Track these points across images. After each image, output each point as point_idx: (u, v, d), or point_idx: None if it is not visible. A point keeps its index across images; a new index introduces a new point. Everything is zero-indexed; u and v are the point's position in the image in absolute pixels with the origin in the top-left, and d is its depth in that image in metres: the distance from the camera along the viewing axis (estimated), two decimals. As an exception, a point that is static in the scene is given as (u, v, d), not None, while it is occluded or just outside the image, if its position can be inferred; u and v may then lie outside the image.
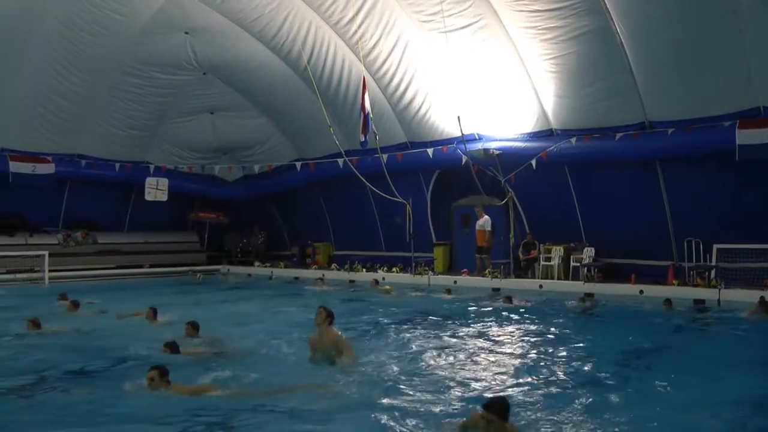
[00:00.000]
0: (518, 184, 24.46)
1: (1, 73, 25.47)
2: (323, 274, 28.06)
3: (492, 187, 25.75)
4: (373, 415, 8.18)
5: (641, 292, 20.15)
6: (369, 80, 24.67)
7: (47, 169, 28.75)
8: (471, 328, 15.53)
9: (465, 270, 25.61)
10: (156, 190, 31.38)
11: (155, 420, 8.13)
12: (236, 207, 35.40)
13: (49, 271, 27.38)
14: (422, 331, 14.90)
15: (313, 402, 8.73)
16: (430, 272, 26.34)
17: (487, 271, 24.27)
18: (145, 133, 31.21)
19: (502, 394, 9.12)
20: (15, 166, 27.94)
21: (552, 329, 15.12)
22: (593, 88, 21.53)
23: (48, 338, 13.88)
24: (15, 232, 29.84)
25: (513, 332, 15.13)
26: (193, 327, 13.46)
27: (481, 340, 14.01)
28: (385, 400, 8.89)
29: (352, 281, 27.24)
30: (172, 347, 11.54)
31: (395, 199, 25.68)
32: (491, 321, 16.74)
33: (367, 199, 29.13)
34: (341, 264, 30.03)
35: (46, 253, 27.79)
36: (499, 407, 6.62)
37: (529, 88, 22.91)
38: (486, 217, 25.30)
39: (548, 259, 23.97)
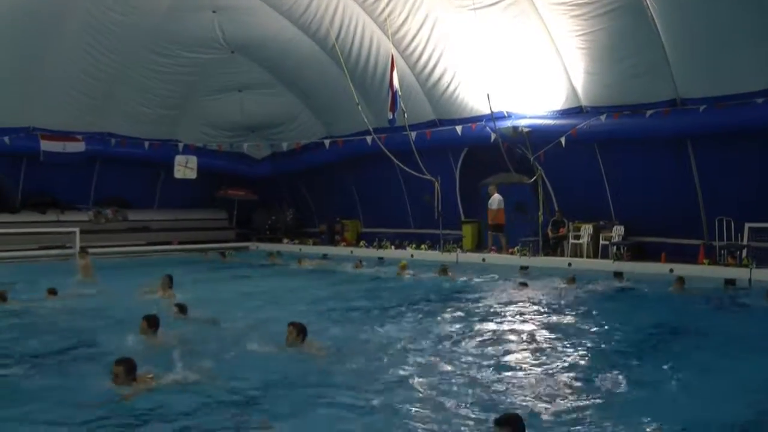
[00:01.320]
0: (547, 162, 24.31)
1: (32, 54, 25.67)
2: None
3: (521, 165, 25.66)
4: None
5: (671, 271, 19.95)
6: (397, 58, 24.68)
7: (77, 147, 29.10)
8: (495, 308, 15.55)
9: (493, 247, 25.55)
10: (185, 168, 31.57)
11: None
12: (265, 184, 35.55)
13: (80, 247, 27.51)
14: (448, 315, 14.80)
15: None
16: (459, 250, 26.35)
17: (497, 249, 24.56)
18: (173, 112, 31.36)
19: (526, 379, 9.13)
20: (46, 145, 28.35)
21: (580, 309, 15.08)
22: (624, 64, 21.31)
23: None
24: (47, 210, 30.20)
25: (543, 312, 15.05)
26: (181, 309, 13.27)
27: (504, 320, 14.05)
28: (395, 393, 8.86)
29: (380, 258, 27.27)
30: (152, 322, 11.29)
31: (424, 176, 25.68)
32: (509, 300, 16.68)
33: (396, 176, 29.09)
34: (370, 241, 30.12)
35: (77, 229, 28.08)
36: (513, 422, 6.08)
37: (558, 65, 22.73)
38: (498, 195, 25.47)
39: (577, 237, 23.92)
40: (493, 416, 6.54)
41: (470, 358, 10.43)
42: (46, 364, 10.19)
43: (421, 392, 8.65)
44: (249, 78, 30.57)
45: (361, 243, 30.66)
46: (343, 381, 9.14)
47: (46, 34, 25.23)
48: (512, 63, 23.64)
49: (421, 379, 9.15)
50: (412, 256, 26.87)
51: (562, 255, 24.00)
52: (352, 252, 28.97)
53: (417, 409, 7.95)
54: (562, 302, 16.06)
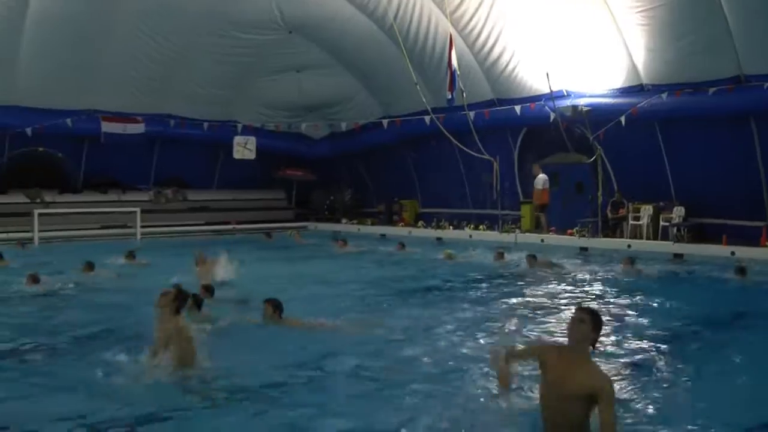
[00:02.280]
0: (607, 141, 23.90)
1: (94, 39, 26.03)
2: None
3: (580, 145, 25.29)
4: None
5: (732, 253, 19.51)
6: (456, 37, 24.45)
7: (137, 128, 29.46)
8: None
9: (553, 228, 25.28)
10: (244, 148, 31.75)
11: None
12: (323, 164, 35.60)
13: (141, 227, 28.06)
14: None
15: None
16: (517, 230, 26.13)
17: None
18: (231, 93, 31.48)
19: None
20: (107, 127, 28.78)
21: (637, 291, 14.80)
22: (685, 40, 20.83)
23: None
24: (108, 190, 30.75)
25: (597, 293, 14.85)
26: (207, 290, 13.06)
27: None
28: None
29: (438, 239, 27.17)
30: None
31: (482, 156, 25.49)
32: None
33: (454, 156, 28.89)
34: (428, 221, 30.03)
35: (138, 209, 28.47)
36: (592, 312, 6.00)
37: (618, 42, 22.34)
38: (543, 175, 25.38)
39: (637, 218, 23.52)
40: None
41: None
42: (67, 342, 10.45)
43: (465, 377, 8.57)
44: (307, 58, 30.53)
45: (420, 223, 30.53)
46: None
47: (106, 18, 25.52)
48: (572, 40, 23.36)
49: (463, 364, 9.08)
50: (470, 236, 26.78)
51: (622, 236, 23.62)
52: (410, 232, 28.91)
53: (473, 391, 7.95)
54: (619, 285, 15.79)
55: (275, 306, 10.95)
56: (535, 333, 10.86)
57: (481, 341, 10.26)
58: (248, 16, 27.22)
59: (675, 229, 22.23)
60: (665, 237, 22.56)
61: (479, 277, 17.31)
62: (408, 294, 15.13)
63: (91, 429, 6.80)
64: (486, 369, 8.25)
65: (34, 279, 15.12)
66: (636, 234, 23.36)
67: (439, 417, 7.11)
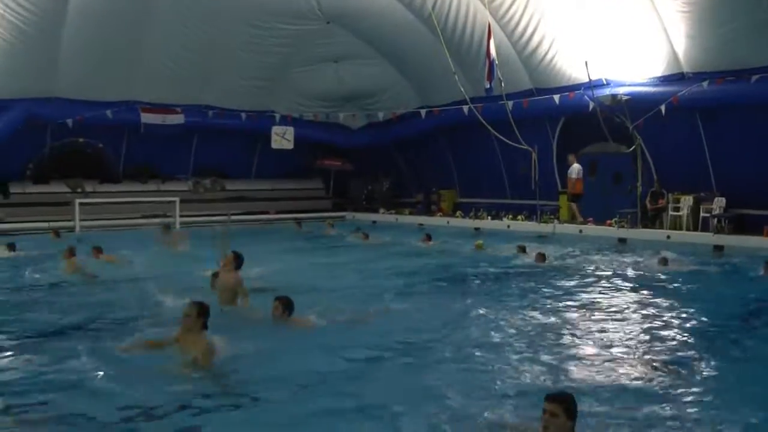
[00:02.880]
0: (646, 131, 23.63)
1: (133, 31, 26.28)
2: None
3: (619, 134, 24.97)
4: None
5: (774, 244, 19.26)
6: (494, 26, 24.28)
7: (176, 119, 29.71)
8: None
9: (590, 219, 25.05)
10: (282, 138, 31.82)
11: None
12: (361, 154, 35.54)
13: (180, 216, 28.32)
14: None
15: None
16: (556, 221, 25.94)
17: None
18: (269, 83, 31.54)
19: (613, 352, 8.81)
20: (146, 118, 29.04)
21: (676, 284, 14.60)
22: (727, 27, 20.52)
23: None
24: (147, 180, 31.07)
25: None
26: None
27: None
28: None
29: (476, 229, 27.06)
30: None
31: (520, 146, 25.33)
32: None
33: (492, 146, 28.67)
34: (466, 211, 29.94)
35: (177, 199, 28.77)
36: (564, 401, 5.76)
37: (659, 30, 22.02)
38: (577, 165, 25.28)
39: (677, 209, 23.26)
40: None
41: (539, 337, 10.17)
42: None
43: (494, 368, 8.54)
44: (345, 48, 30.49)
45: (458, 213, 30.46)
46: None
47: (145, 10, 25.72)
48: (611, 28, 23.08)
49: (491, 356, 9.03)
50: (508, 227, 26.67)
51: (661, 227, 23.34)
52: (448, 222, 28.85)
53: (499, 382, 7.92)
54: (654, 279, 15.53)
55: (285, 305, 10.44)
56: (560, 330, 10.71)
57: (500, 339, 10.17)
58: (286, 6, 27.22)
59: (715, 221, 21.94)
60: (705, 228, 22.29)
61: (503, 271, 17.08)
62: (427, 285, 15.13)
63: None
64: (511, 365, 8.25)
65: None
66: (675, 225, 23.11)
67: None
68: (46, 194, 28.21)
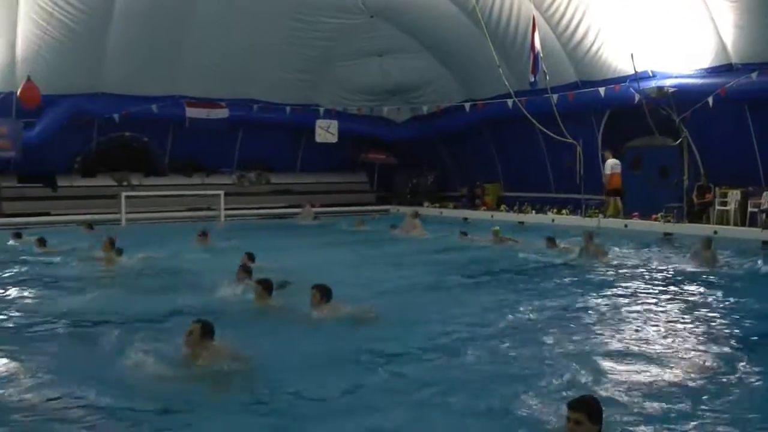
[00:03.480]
0: (693, 124, 23.28)
1: (177, 27, 26.72)
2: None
3: (665, 127, 24.60)
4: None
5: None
6: (538, 18, 24.06)
7: (221, 113, 30.07)
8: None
9: (636, 213, 24.72)
10: (326, 132, 31.89)
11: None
12: (405, 148, 35.50)
13: (225, 209, 28.62)
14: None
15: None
16: (600, 215, 25.64)
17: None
18: (314, 77, 31.72)
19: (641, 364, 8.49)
20: (191, 112, 29.53)
21: (720, 281, 14.29)
22: (779, 16, 20.08)
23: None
24: (193, 173, 31.45)
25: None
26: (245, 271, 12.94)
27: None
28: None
29: (520, 223, 26.86)
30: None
31: (565, 140, 25.10)
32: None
33: (537, 139, 28.44)
34: (510, 205, 29.76)
35: (221, 192, 29.08)
36: (587, 406, 5.65)
37: (706, 20, 21.59)
38: (612, 159, 25.13)
39: (724, 203, 22.81)
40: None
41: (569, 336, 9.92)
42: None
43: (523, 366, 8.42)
44: (388, 42, 30.50)
45: (502, 207, 30.32)
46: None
47: (190, 5, 26.14)
48: (657, 19, 22.66)
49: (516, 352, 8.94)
50: (553, 221, 26.50)
51: (708, 222, 22.93)
52: (492, 216, 28.66)
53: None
54: (702, 274, 15.17)
55: (323, 292, 10.41)
56: (599, 329, 10.50)
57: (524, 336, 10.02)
58: (330, 0, 27.29)
59: (763, 215, 21.47)
60: (753, 223, 21.81)
61: (542, 265, 16.81)
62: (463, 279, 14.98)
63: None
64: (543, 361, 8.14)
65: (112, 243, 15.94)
66: (722, 220, 22.68)
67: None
68: (93, 187, 28.81)
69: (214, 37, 27.55)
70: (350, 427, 6.79)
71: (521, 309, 11.66)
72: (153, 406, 7.02)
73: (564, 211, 27.26)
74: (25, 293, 13.09)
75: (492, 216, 28.65)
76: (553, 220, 26.56)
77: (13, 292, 13.16)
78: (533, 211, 28.46)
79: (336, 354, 8.88)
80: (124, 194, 27.06)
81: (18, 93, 24.76)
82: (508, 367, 8.41)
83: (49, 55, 25.74)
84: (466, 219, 28.86)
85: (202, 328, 8.21)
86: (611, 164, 25.11)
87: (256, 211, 30.30)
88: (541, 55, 23.38)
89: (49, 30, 25.00)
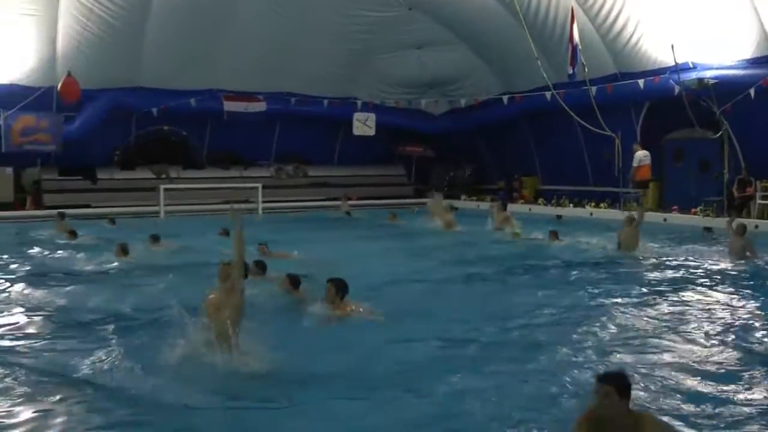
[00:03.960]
0: (734, 116, 22.95)
1: (215, 21, 26.92)
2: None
3: (706, 119, 24.26)
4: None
5: None
6: (577, 10, 23.94)
7: (259, 107, 30.19)
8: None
9: (675, 207, 24.44)
10: (363, 125, 31.88)
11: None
12: (442, 141, 35.45)
13: (262, 202, 28.79)
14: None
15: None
16: (639, 208, 25.36)
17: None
18: (352, 70, 31.80)
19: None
20: (229, 105, 29.64)
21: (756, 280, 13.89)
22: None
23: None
24: (230, 166, 31.69)
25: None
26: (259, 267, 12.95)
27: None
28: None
29: (558, 216, 26.66)
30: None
31: (604, 132, 24.87)
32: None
33: (575, 132, 28.20)
34: (548, 198, 29.58)
35: (259, 185, 29.24)
36: (615, 379, 5.53)
37: (748, 9, 21.31)
38: (642, 151, 24.76)
39: (765, 197, 22.47)
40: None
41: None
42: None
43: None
44: (427, 35, 30.44)
45: (540, 200, 30.14)
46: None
47: (228, 2, 26.31)
48: (698, 9, 22.38)
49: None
50: (591, 214, 26.30)
51: (749, 216, 22.54)
52: (530, 209, 28.50)
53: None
54: (742, 269, 14.82)
55: (338, 287, 10.05)
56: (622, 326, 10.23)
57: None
58: (368, -7, 27.41)
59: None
60: (795, 217, 21.49)
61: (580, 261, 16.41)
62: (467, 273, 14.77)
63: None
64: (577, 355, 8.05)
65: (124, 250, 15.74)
66: (763, 214, 22.32)
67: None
68: (132, 180, 29.14)
69: (254, 31, 27.70)
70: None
71: (555, 303, 11.49)
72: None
73: (602, 205, 27.01)
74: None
75: (530, 209, 28.50)
76: (591, 214, 26.35)
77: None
78: (571, 205, 28.24)
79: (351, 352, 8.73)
80: (162, 187, 27.32)
81: (58, 88, 25.38)
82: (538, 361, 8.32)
83: (88, 51, 26.15)
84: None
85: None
86: (640, 156, 24.79)
87: (292, 204, 30.42)
88: (580, 46, 23.27)
89: (89, 26, 25.43)
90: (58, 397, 7.03)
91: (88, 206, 26.97)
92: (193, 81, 28.81)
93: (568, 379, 7.58)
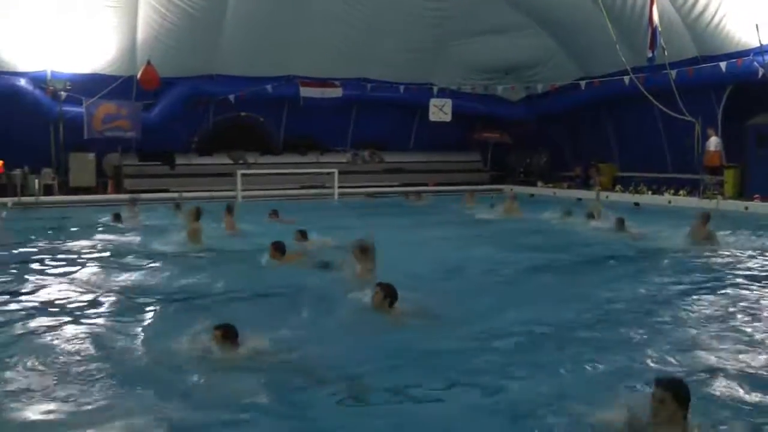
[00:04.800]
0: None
1: (292, 8, 27.32)
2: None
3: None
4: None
5: None
6: (656, -10, 23.43)
7: (335, 92, 30.47)
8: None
9: (757, 195, 23.80)
10: (440, 110, 31.82)
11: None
12: (519, 127, 35.12)
13: (338, 187, 28.99)
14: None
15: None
16: (720, 196, 24.77)
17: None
18: (428, 56, 31.75)
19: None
20: (305, 91, 30.04)
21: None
22: None
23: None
24: (307, 152, 32.01)
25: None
26: (302, 234, 14.46)
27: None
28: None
29: (636, 204, 26.20)
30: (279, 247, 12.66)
31: (684, 117, 24.37)
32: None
33: (654, 117, 27.69)
34: (626, 186, 29.11)
35: (335, 170, 29.47)
36: (673, 386, 5.33)
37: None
38: (715, 138, 24.56)
39: None
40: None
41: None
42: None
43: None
44: (504, 20, 30.20)
45: (617, 187, 29.69)
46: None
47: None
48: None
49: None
50: (669, 202, 25.76)
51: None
52: (607, 197, 28.02)
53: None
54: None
55: (387, 292, 9.04)
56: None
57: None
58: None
59: None
60: None
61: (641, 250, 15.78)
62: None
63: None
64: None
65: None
66: None
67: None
68: (210, 165, 29.60)
69: (331, 18, 28.08)
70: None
71: (616, 296, 11.03)
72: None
73: (681, 192, 26.42)
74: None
75: (607, 197, 28.03)
76: (669, 202, 25.81)
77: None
78: (649, 192, 27.69)
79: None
80: (240, 172, 27.67)
81: (138, 76, 25.99)
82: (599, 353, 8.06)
83: (167, 40, 26.84)
84: (579, 199, 28.23)
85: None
86: (714, 142, 24.44)
87: (368, 189, 30.55)
88: (660, 29, 22.86)
89: (168, 15, 26.05)
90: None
91: (166, 190, 27.54)
92: (270, 68, 29.19)
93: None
